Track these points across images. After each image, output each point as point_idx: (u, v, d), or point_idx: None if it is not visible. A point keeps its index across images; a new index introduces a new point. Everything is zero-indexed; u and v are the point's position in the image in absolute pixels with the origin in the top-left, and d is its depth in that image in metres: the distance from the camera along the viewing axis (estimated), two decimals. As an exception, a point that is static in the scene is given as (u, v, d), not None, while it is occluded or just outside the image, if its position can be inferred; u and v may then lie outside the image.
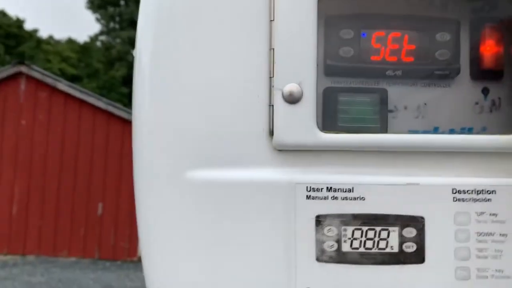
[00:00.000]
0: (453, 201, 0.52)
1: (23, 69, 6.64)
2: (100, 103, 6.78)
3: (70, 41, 16.49)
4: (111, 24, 17.14)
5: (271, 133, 0.53)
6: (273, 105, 0.52)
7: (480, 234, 0.52)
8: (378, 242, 0.52)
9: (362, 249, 0.52)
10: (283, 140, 0.52)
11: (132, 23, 16.47)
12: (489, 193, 0.52)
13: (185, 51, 0.53)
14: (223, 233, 0.52)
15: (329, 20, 0.54)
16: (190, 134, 0.53)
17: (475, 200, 0.52)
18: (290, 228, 0.52)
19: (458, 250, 0.52)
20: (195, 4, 0.53)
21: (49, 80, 6.83)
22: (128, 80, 15.25)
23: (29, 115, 6.69)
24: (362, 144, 0.52)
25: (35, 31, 15.56)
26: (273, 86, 0.52)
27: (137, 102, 0.55)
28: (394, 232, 0.52)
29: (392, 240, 0.52)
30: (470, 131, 0.55)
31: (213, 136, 0.53)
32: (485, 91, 0.56)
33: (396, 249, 0.52)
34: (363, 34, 0.55)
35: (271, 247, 0.52)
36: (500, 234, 0.52)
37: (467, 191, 0.52)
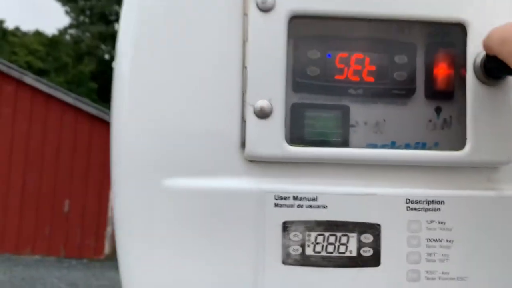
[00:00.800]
0: (407, 210, 0.58)
1: (-12, 61, 6.45)
2: (68, 98, 6.66)
3: (38, 34, 16.06)
4: (81, 18, 16.78)
5: (243, 145, 0.57)
6: (245, 120, 0.56)
7: (429, 240, 0.58)
8: (338, 246, 0.57)
9: (324, 253, 0.56)
10: (254, 152, 0.56)
11: (102, 18, 16.17)
12: (439, 203, 0.58)
13: (164, 63, 0.57)
14: (197, 238, 0.56)
15: (298, 41, 0.59)
16: (167, 142, 0.57)
17: (426, 209, 0.58)
18: (260, 233, 0.56)
19: (410, 255, 0.57)
20: (171, 20, 0.57)
21: (15, 73, 6.66)
22: (97, 75, 14.97)
23: (-6, 109, 6.49)
24: (326, 157, 0.57)
25: (1, 22, 15.09)
26: (245, 102, 0.56)
27: (115, 110, 0.58)
28: (353, 237, 0.57)
29: (351, 245, 0.57)
30: (423, 146, 0.60)
31: (189, 146, 0.57)
32: (438, 110, 0.61)
33: (354, 253, 0.57)
34: (329, 55, 0.59)
35: (242, 250, 0.56)
36: (447, 240, 0.58)
37: (419, 201, 0.58)
